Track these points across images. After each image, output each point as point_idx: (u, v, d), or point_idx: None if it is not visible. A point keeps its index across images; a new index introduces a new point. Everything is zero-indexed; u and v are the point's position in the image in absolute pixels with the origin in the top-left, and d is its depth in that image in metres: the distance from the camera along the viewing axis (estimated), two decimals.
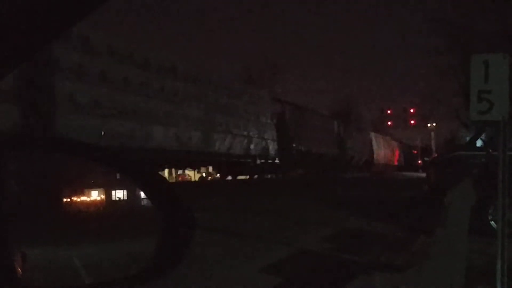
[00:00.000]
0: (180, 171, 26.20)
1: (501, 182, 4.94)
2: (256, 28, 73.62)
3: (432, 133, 60.73)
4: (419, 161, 62.88)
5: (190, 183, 25.11)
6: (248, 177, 27.78)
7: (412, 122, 63.83)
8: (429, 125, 59.42)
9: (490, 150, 9.50)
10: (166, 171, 23.62)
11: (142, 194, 1.24)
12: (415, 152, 72.25)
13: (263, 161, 28.19)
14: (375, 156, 53.50)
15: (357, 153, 48.18)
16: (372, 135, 54.41)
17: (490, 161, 8.62)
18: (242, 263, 6.64)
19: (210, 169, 27.06)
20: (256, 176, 27.86)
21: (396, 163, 62.64)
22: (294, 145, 32.56)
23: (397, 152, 64.28)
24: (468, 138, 16.89)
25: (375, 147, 53.87)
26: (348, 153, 44.81)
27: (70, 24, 0.97)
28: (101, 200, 1.29)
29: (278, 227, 9.72)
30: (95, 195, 1.29)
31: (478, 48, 11.66)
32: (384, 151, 58.15)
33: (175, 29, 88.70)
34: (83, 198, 1.27)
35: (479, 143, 13.19)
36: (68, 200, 1.27)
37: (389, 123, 68.17)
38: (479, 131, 12.83)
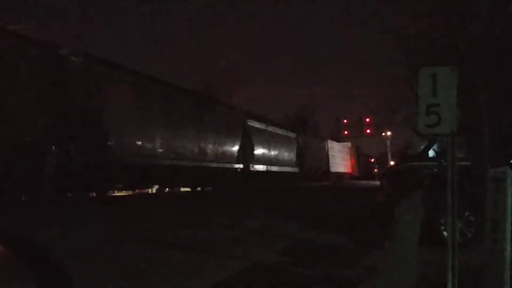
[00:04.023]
0: None
1: (451, 194, 4.96)
2: (212, 39, 72.80)
3: (388, 142, 61.63)
4: (375, 170, 63.84)
5: (147, 195, 24.66)
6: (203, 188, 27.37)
7: (368, 131, 64.61)
8: (384, 134, 60.31)
9: (442, 160, 9.63)
10: None
11: None
12: (372, 160, 73.38)
13: (226, 172, 28.06)
14: (332, 165, 53.80)
15: (316, 163, 48.35)
16: (329, 144, 54.72)
17: (441, 171, 8.72)
18: (193, 278, 6.47)
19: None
20: (210, 187, 27.43)
21: (353, 171, 63.19)
22: (254, 155, 32.30)
23: (354, 161, 64.87)
24: (421, 148, 17.21)
25: (332, 156, 54.16)
26: (307, 163, 44.85)
27: None
28: None
29: (231, 240, 9.56)
30: None
31: (429, 60, 11.86)
32: (341, 160, 58.59)
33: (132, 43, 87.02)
34: None
35: (431, 153, 13.43)
36: None
37: (346, 132, 68.87)
38: (431, 142, 13.08)
